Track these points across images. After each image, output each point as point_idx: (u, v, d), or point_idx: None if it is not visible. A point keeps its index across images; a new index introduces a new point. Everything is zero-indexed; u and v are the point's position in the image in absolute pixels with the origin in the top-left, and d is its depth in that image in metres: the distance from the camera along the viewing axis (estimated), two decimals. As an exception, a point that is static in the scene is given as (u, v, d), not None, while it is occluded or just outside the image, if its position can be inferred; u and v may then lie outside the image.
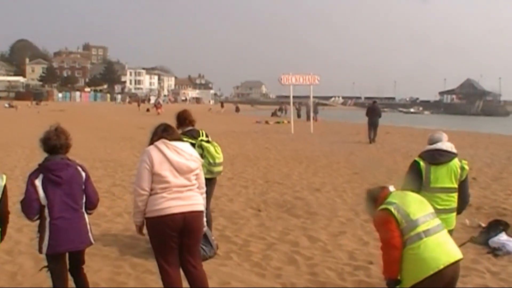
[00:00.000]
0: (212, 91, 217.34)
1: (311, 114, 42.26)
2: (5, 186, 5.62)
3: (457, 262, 5.15)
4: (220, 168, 8.97)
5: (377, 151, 23.93)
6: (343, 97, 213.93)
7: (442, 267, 4.99)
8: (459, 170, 6.82)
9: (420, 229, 5.12)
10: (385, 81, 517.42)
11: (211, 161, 8.58)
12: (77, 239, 5.78)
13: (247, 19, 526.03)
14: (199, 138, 8.71)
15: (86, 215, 5.90)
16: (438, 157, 6.83)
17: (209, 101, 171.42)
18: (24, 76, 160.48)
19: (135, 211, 6.03)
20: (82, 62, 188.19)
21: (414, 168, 6.84)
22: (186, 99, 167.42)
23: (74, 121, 40.51)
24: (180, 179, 5.88)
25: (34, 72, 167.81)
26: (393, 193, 5.54)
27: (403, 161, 19.55)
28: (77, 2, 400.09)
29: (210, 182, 8.10)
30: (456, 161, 6.85)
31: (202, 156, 7.96)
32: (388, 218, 5.22)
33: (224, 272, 7.68)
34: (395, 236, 5.14)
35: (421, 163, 6.82)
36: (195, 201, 5.97)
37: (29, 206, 5.65)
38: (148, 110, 74.77)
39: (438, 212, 5.91)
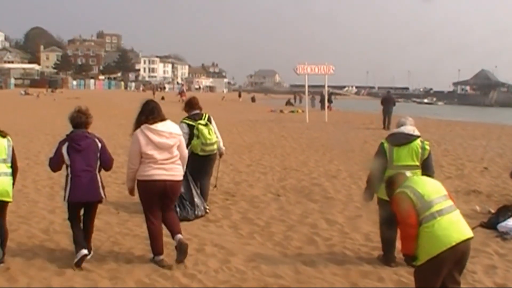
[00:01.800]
0: (225, 80, 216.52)
1: (326, 103, 42.48)
2: (12, 146, 7.48)
3: (468, 240, 5.60)
4: (212, 147, 10.39)
5: (391, 141, 24.26)
6: (356, 87, 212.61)
7: (454, 243, 5.42)
8: (420, 150, 7.64)
9: (434, 209, 5.56)
10: (399, 71, 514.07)
11: (203, 141, 10.12)
12: (90, 193, 7.53)
13: (261, 7, 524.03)
14: (198, 121, 10.26)
15: (98, 176, 7.64)
16: (399, 139, 7.73)
17: (223, 90, 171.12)
18: (39, 64, 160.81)
19: (127, 179, 7.77)
20: (96, 49, 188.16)
21: (380, 149, 7.78)
22: (199, 88, 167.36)
23: (90, 108, 40.88)
24: (163, 154, 7.40)
25: (48, 59, 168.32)
26: (409, 178, 6.06)
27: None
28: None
29: (205, 159, 10.40)
30: (417, 142, 7.68)
31: (197, 136, 10.07)
32: (404, 199, 5.69)
33: (249, 251, 8.17)
34: (411, 216, 5.60)
35: (385, 144, 7.74)
36: (175, 172, 7.54)
37: (55, 163, 7.62)
38: (163, 98, 74.63)
39: None
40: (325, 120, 36.45)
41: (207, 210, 10.33)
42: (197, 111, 10.54)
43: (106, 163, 7.76)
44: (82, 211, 7.79)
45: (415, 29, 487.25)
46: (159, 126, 7.40)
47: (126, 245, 8.37)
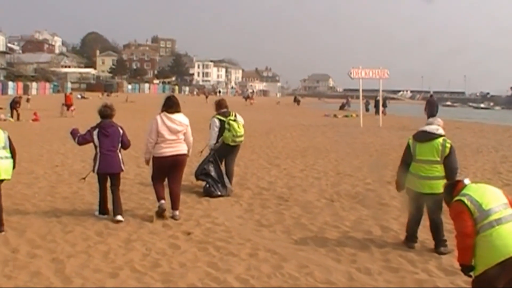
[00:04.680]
0: (279, 84, 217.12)
1: (380, 108, 42.00)
2: (8, 135, 9.46)
3: None
4: (241, 139, 12.56)
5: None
6: (411, 91, 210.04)
7: None
8: (440, 147, 8.44)
9: (492, 218, 5.38)
10: (455, 75, 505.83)
11: (234, 133, 12.28)
12: (114, 166, 10.14)
13: (315, 11, 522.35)
14: (228, 118, 12.38)
15: (120, 154, 10.25)
16: (422, 137, 8.66)
17: (276, 94, 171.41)
18: (95, 68, 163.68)
19: (146, 151, 10.27)
20: (151, 54, 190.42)
21: (407, 144, 8.84)
22: (253, 92, 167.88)
23: (145, 112, 41.44)
24: (172, 136, 9.98)
25: (104, 64, 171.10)
26: (468, 185, 5.86)
27: (473, 157, 19.50)
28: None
29: (234, 148, 12.64)
30: (439, 140, 8.50)
31: (228, 130, 12.23)
32: (462, 208, 5.53)
33: (302, 257, 8.08)
34: (468, 226, 5.44)
35: (410, 141, 8.79)
36: (180, 148, 10.12)
37: (84, 140, 10.21)
38: (216, 102, 74.91)
39: (423, 178, 8.41)
40: (380, 125, 36.04)
41: (232, 189, 12.40)
42: (225, 109, 12.65)
43: (125, 145, 10.36)
44: (109, 183, 10.28)
45: (472, 33, 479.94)
46: (174, 115, 10.07)
47: (180, 248, 8.39)
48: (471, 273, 5.60)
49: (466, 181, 5.99)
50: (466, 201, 5.52)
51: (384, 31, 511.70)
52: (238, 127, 12.37)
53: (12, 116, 36.62)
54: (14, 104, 37.38)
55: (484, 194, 5.63)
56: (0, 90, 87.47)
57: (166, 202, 10.19)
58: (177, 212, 10.16)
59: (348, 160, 18.58)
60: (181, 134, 10.11)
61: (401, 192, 9.30)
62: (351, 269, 7.60)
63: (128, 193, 12.23)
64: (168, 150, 9.96)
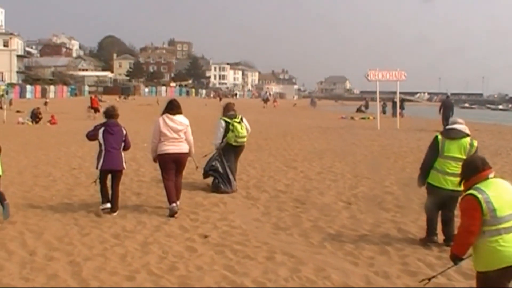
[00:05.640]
0: (295, 86, 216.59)
1: (398, 110, 41.77)
2: None
3: None
4: (243, 139, 13.32)
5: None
6: (429, 93, 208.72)
7: None
8: (468, 146, 8.75)
9: (502, 226, 5.32)
10: (473, 76, 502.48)
11: (236, 134, 13.00)
12: (117, 163, 10.80)
13: (331, 13, 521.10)
14: (233, 120, 13.11)
15: (122, 153, 10.92)
16: (450, 134, 8.94)
17: (293, 97, 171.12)
18: (112, 71, 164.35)
19: (152, 150, 11.08)
20: (168, 57, 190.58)
21: (434, 140, 9.01)
22: (270, 94, 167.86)
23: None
24: (173, 135, 10.77)
25: (121, 67, 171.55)
26: (489, 180, 5.65)
27: (491, 159, 19.25)
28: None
29: (237, 148, 13.31)
30: (467, 139, 8.82)
31: (232, 131, 12.96)
32: (475, 206, 5.39)
33: (319, 260, 8.03)
34: (476, 225, 5.37)
35: (439, 137, 8.98)
36: (182, 147, 10.91)
37: (92, 136, 10.97)
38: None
39: (448, 174, 8.64)
40: (397, 127, 35.83)
41: (236, 186, 13.16)
42: (232, 112, 13.44)
43: (126, 146, 11.07)
44: (109, 183, 10.89)
45: (490, 34, 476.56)
46: (175, 116, 10.86)
47: (197, 251, 8.39)
48: (458, 263, 5.85)
49: (491, 175, 5.79)
50: (482, 202, 5.36)
51: (402, 33, 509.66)
52: (241, 128, 13.12)
53: (32, 122, 37.04)
54: (34, 116, 37.88)
55: (501, 198, 5.44)
56: (18, 94, 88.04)
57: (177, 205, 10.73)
58: (174, 204, 10.73)
59: (365, 163, 18.50)
60: (182, 133, 10.90)
61: (406, 190, 9.35)
62: (368, 272, 7.54)
63: (145, 196, 12.26)
64: (170, 147, 10.76)
